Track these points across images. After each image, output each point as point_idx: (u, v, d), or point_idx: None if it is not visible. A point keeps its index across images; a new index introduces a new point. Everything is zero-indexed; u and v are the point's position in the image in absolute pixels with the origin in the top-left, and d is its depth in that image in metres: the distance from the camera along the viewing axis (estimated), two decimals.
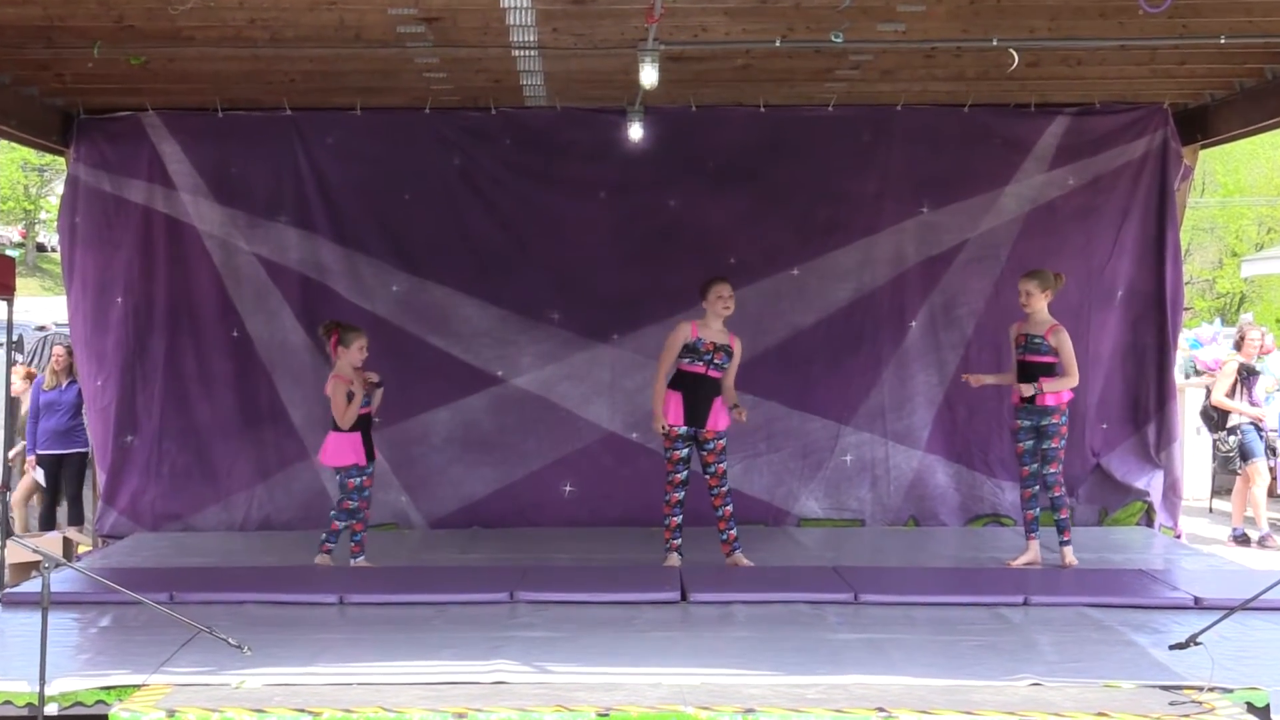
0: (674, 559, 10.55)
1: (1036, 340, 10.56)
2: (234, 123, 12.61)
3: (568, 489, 12.85)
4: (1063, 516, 10.75)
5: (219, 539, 12.30)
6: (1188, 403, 15.58)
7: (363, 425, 10.53)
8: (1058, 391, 10.52)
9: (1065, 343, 10.55)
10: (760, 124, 12.70)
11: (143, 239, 12.67)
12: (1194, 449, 15.80)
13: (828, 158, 12.79)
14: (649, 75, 9.96)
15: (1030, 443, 10.67)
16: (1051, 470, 10.67)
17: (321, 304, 12.62)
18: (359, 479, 10.53)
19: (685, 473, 10.53)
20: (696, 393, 10.47)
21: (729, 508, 10.61)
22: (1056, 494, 10.71)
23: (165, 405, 12.69)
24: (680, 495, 10.54)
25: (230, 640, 7.50)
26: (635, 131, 12.46)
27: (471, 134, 12.77)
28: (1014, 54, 10.20)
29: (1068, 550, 10.72)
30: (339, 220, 12.73)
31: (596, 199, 12.86)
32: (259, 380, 12.75)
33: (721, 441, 10.55)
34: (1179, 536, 12.75)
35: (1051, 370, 10.58)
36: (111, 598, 8.71)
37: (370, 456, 10.58)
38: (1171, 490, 12.91)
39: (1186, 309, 16.94)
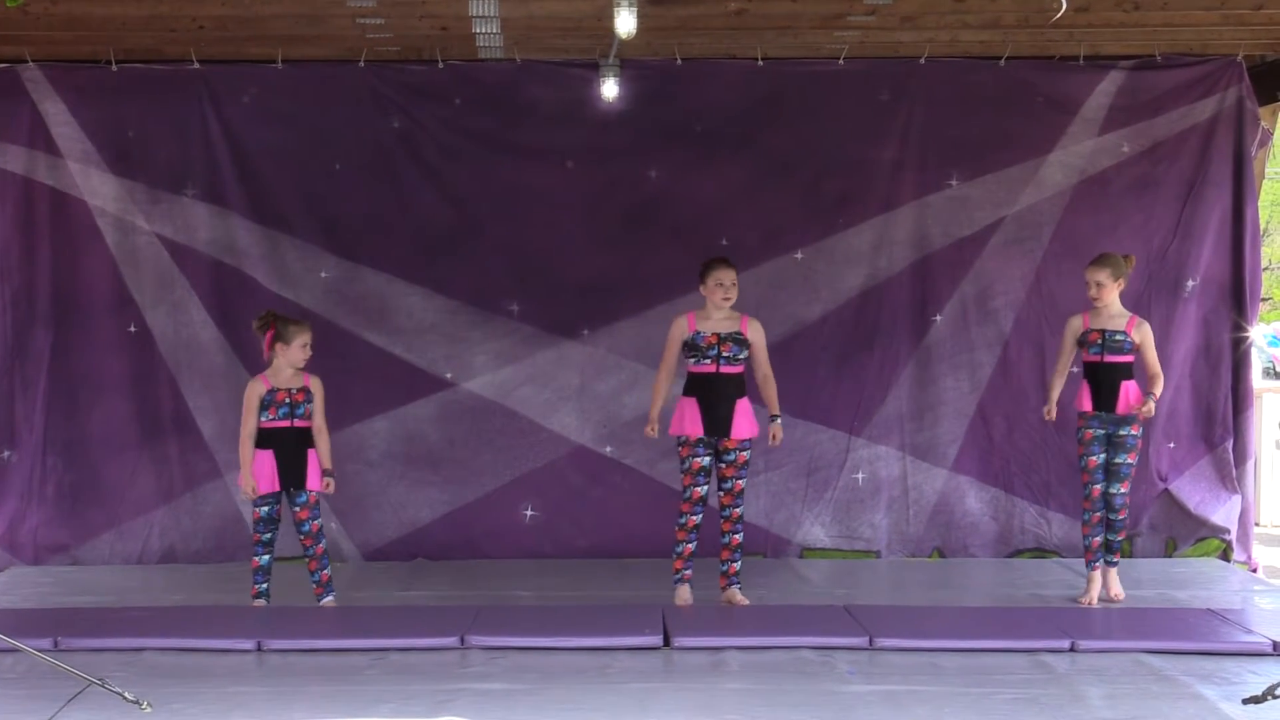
0: (685, 594, 10.60)
1: (1118, 337, 10.65)
2: (131, 78, 12.57)
3: (529, 513, 12.85)
4: (1120, 538, 10.93)
5: (113, 573, 12.27)
6: (1265, 411, 15.59)
7: (278, 442, 10.47)
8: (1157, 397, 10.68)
9: (1150, 337, 10.73)
10: (758, 80, 12.72)
11: (22, 216, 12.62)
12: (1273, 466, 15.82)
13: (838, 120, 12.82)
14: (626, 22, 9.95)
15: (1102, 456, 10.73)
16: (1123, 490, 10.80)
17: (236, 293, 12.62)
18: (263, 509, 10.47)
19: (705, 487, 10.56)
20: (711, 396, 10.51)
21: (738, 535, 10.64)
22: (1121, 516, 10.87)
23: (50, 414, 12.64)
24: (698, 517, 10.59)
25: (126, 695, 7.48)
26: (609, 89, 12.47)
27: (415, 92, 12.76)
28: None
29: (1113, 575, 10.90)
30: (257, 194, 12.70)
31: (563, 169, 12.86)
32: (161, 384, 12.71)
33: (745, 454, 10.60)
34: (1254, 570, 12.78)
35: (1131, 371, 10.71)
36: None
37: (297, 482, 10.51)
38: (1244, 516, 12.93)
39: (1265, 299, 17.01)
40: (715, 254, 11.00)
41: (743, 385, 10.60)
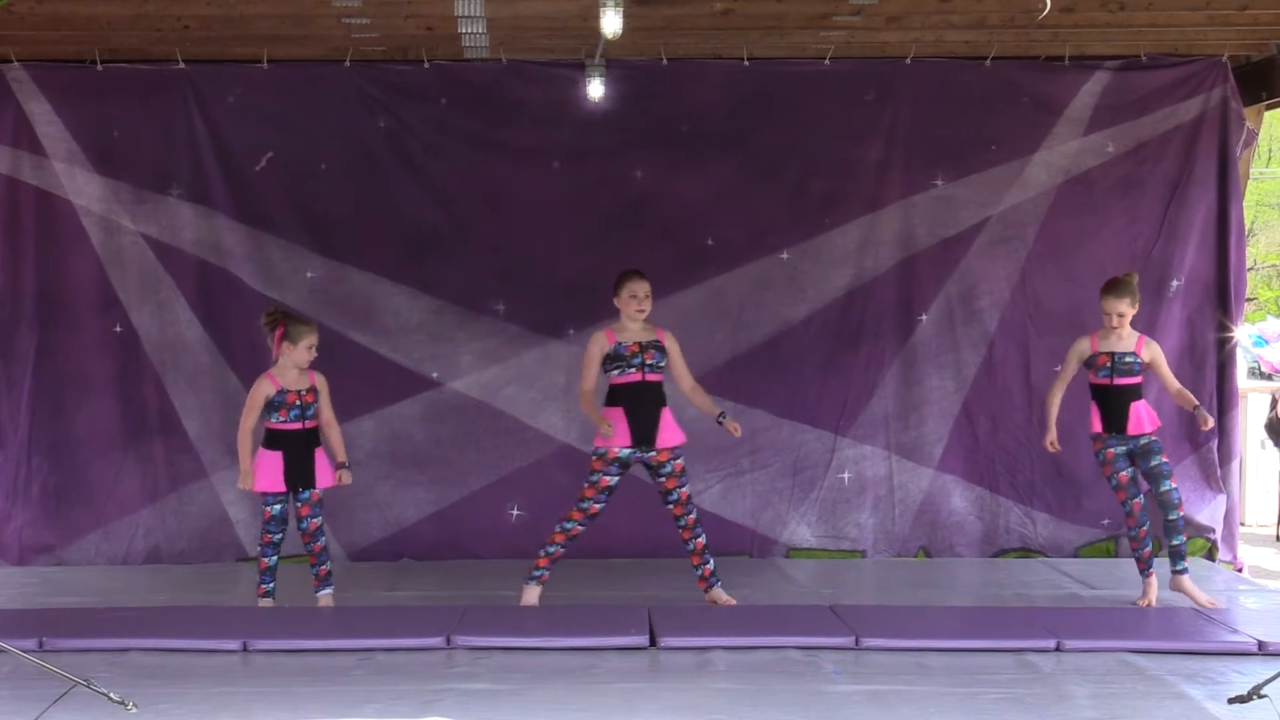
0: (533, 593, 10.54)
1: (1128, 359, 10.54)
2: (117, 78, 12.56)
3: (515, 513, 12.85)
4: (1182, 540, 10.74)
5: (98, 574, 12.25)
6: (1250, 410, 15.61)
7: (287, 444, 10.46)
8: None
9: (1161, 355, 10.73)
10: (744, 80, 12.73)
11: (6, 216, 12.61)
12: (1259, 467, 15.85)
13: (823, 120, 12.83)
14: (611, 22, 9.95)
15: (1130, 471, 10.62)
16: (1172, 485, 10.63)
17: (221, 293, 12.62)
18: (275, 507, 10.45)
19: (602, 505, 10.46)
20: (639, 405, 10.41)
21: (701, 539, 10.58)
22: (1181, 513, 10.70)
23: (35, 414, 12.64)
24: (583, 529, 10.47)
25: (112, 695, 7.48)
26: (595, 89, 12.48)
27: (400, 92, 12.76)
28: None
29: (1186, 580, 10.75)
30: (242, 194, 12.69)
31: (549, 169, 12.86)
32: (147, 384, 12.69)
33: (680, 461, 10.50)
34: (1240, 570, 12.81)
35: (1141, 392, 10.63)
36: None
37: (304, 483, 10.47)
38: (1229, 516, 12.94)
39: (1249, 299, 17.03)
40: (630, 265, 10.89)
41: (664, 395, 10.50)
